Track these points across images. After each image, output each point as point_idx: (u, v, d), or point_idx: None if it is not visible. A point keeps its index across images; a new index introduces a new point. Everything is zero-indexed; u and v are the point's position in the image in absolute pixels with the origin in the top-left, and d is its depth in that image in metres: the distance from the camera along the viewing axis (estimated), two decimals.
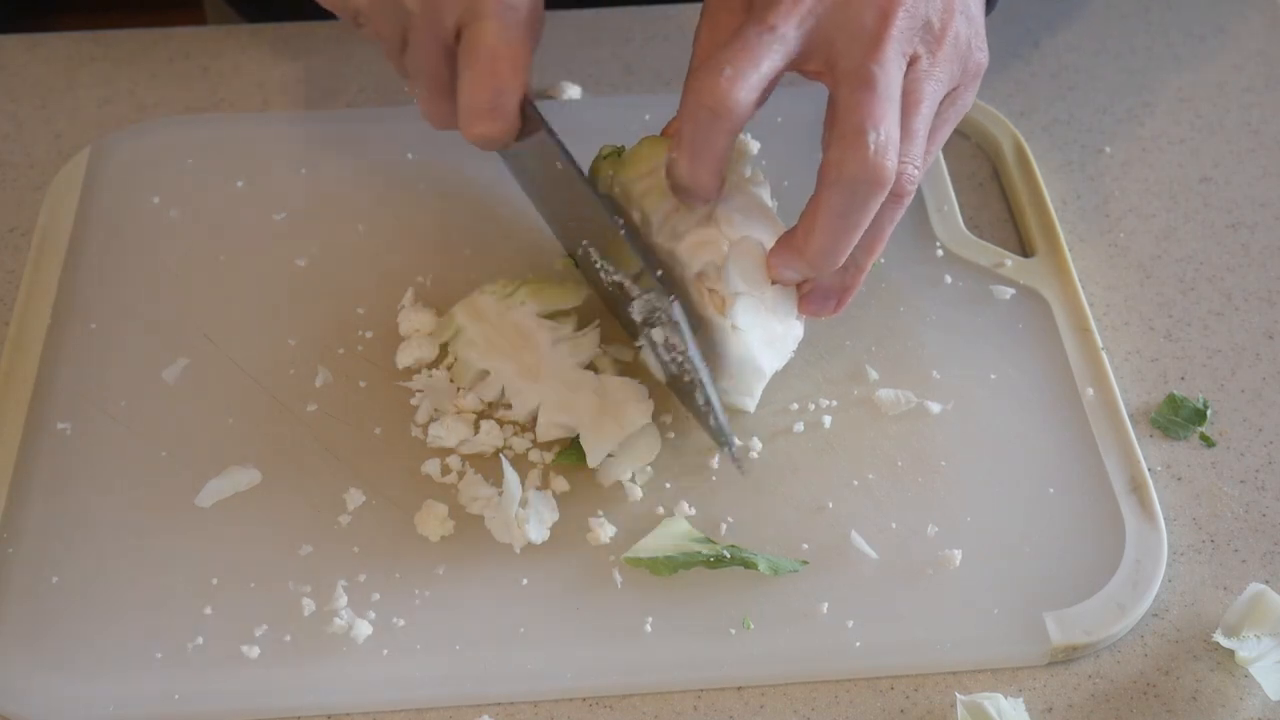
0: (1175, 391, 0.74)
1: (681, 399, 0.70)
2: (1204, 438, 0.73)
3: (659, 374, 0.69)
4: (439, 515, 0.67)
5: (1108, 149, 0.88)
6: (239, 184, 0.83)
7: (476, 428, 0.71)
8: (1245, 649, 0.63)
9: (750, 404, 0.70)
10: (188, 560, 0.66)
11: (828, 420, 0.72)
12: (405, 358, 0.74)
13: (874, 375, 0.74)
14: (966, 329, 0.76)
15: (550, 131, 0.68)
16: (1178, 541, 0.69)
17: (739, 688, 0.64)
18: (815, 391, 0.73)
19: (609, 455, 0.68)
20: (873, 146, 0.60)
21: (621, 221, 0.67)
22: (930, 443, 0.71)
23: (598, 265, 0.70)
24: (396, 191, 0.83)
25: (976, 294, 0.78)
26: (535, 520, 0.66)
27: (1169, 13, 0.96)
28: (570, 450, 0.69)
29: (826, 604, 0.65)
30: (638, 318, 0.67)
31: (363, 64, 0.92)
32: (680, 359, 0.66)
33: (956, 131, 0.88)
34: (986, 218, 0.84)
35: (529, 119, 0.68)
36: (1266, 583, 0.65)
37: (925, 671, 0.64)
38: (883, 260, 0.79)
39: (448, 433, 0.70)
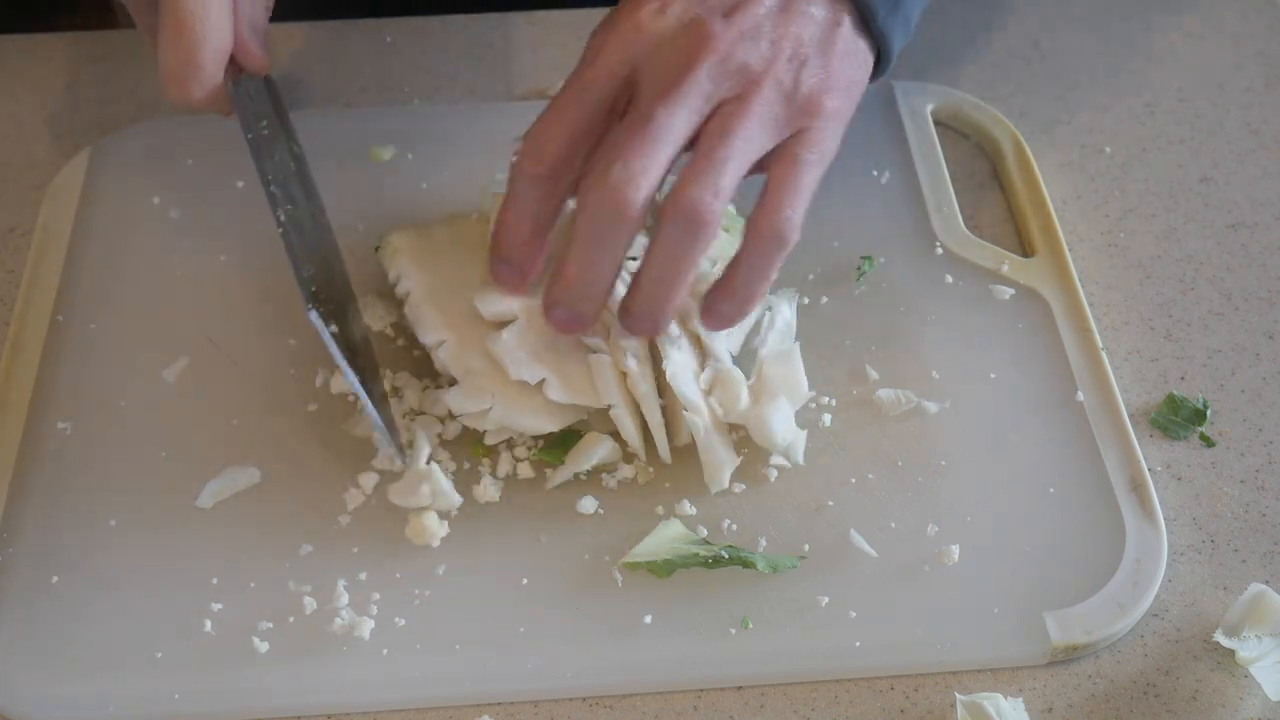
0: (1175, 391, 0.74)
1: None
2: (1204, 438, 0.73)
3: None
4: (430, 522, 0.67)
5: (1108, 149, 0.88)
6: (239, 184, 0.83)
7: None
8: (1245, 649, 0.63)
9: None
10: (188, 560, 0.66)
11: (827, 420, 0.72)
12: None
13: (874, 375, 0.74)
14: (966, 329, 0.76)
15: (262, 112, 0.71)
16: (1178, 541, 0.69)
17: (739, 687, 0.64)
18: (815, 391, 0.73)
19: (561, 463, 0.69)
20: (614, 177, 0.61)
21: (282, 218, 0.70)
22: (930, 443, 0.71)
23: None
24: (396, 191, 0.83)
25: (976, 294, 0.78)
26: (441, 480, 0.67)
27: (1169, 13, 0.96)
28: (554, 447, 0.69)
29: (826, 603, 0.65)
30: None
31: (363, 64, 0.92)
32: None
33: (956, 131, 0.88)
34: (986, 218, 0.84)
35: (244, 86, 0.71)
36: (1266, 583, 0.65)
37: (925, 671, 0.64)
38: (882, 260, 0.79)
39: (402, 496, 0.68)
